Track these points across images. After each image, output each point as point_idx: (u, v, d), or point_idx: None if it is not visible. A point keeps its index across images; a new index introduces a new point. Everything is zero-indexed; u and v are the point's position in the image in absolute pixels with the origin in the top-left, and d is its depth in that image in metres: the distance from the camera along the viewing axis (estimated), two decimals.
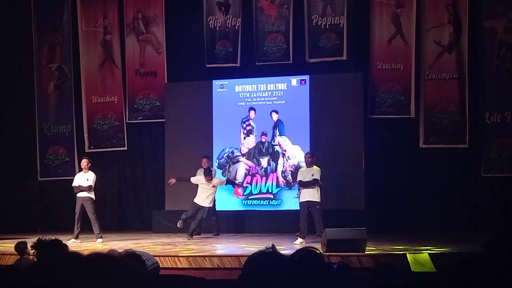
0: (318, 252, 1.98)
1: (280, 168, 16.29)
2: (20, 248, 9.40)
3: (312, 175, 13.43)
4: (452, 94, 15.65)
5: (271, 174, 16.35)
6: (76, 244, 12.85)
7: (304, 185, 13.40)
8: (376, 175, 15.71)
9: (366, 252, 10.58)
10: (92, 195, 14.09)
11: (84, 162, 14.51)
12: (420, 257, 10.17)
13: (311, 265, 1.84)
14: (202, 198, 14.47)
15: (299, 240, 12.99)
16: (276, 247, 2.03)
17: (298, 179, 13.75)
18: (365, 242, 10.72)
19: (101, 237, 13.97)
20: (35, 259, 9.49)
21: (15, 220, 17.22)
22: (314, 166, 13.55)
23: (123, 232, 16.42)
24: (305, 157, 14.09)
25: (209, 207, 14.61)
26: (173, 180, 15.09)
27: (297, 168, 15.64)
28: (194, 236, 14.34)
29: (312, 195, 13.33)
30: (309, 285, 1.73)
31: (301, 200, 13.49)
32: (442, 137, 15.64)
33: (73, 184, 14.28)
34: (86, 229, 14.09)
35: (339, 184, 15.36)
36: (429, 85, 15.85)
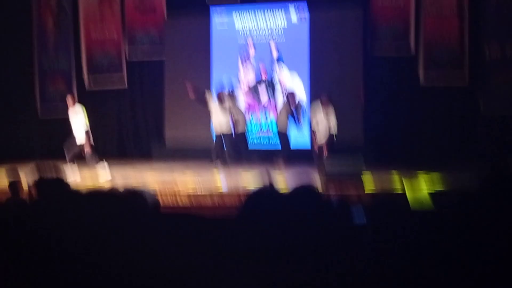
0: (316, 189, 2.00)
1: (280, 105, 16.26)
2: (13, 186, 9.46)
3: None
4: (452, 31, 15.55)
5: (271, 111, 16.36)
6: (78, 182, 12.89)
7: None
8: (375, 113, 15.69)
9: (366, 192, 10.64)
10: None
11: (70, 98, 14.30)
12: (420, 195, 10.22)
13: (309, 202, 1.87)
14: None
15: None
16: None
17: None
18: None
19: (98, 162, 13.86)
20: (31, 198, 9.58)
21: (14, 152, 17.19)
22: None
23: (123, 168, 16.46)
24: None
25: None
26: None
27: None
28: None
29: None
30: (307, 221, 1.76)
31: None
32: (442, 75, 15.60)
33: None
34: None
35: (338, 122, 15.36)
36: (429, 22, 15.73)
